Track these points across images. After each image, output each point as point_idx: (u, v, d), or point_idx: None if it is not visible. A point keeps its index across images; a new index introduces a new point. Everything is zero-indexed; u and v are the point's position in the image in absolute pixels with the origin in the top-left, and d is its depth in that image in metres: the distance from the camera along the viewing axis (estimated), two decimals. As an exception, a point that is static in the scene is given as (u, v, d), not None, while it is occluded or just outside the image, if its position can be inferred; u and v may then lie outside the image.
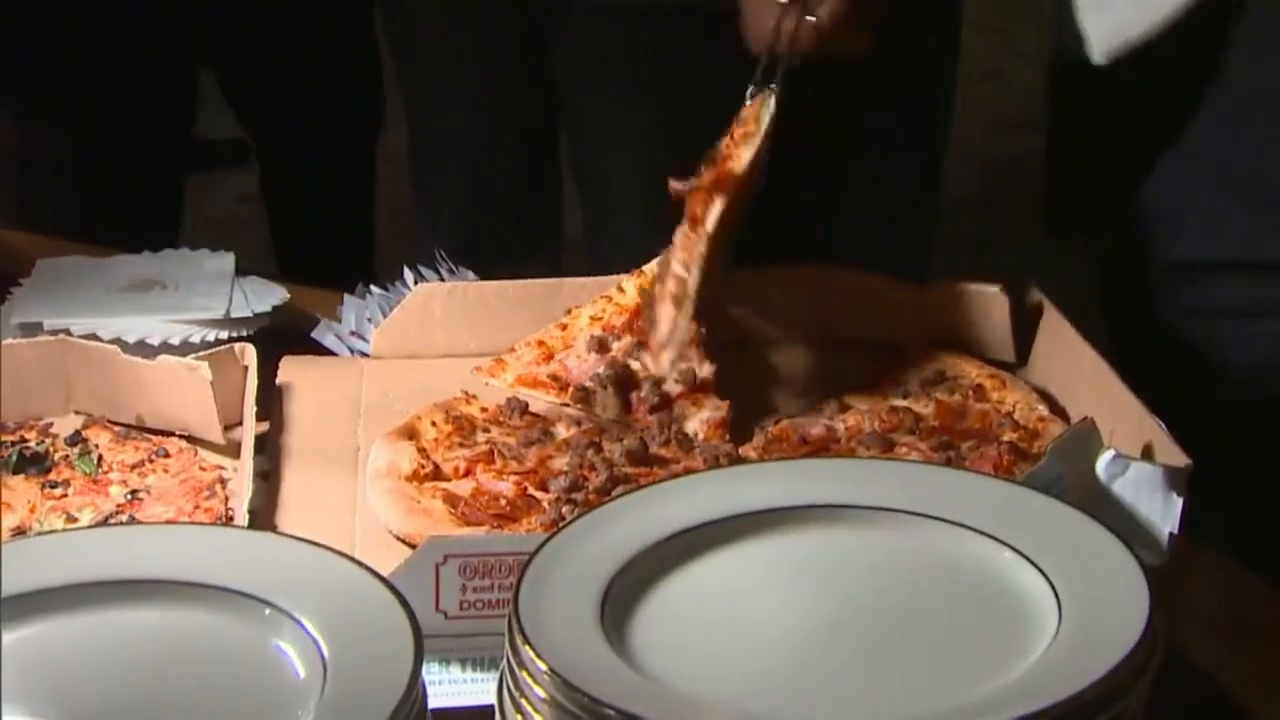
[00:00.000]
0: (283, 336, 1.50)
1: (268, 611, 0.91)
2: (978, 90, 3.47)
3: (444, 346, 1.44)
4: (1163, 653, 0.91)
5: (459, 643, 1.01)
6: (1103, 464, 1.12)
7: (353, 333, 1.50)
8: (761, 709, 0.88)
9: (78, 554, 0.97)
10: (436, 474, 1.25)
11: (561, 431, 1.31)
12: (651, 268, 1.40)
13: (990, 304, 1.43)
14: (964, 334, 1.43)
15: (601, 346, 1.37)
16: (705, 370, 1.35)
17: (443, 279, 1.54)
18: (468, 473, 1.25)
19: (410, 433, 1.29)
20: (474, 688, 1.02)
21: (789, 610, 0.95)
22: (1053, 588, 0.94)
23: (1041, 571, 0.95)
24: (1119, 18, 1.28)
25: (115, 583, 0.95)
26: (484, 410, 1.34)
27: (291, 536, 1.00)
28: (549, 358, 1.38)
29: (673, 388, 1.34)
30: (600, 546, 0.96)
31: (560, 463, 1.26)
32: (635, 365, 1.36)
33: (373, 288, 1.55)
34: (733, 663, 0.92)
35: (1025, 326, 1.43)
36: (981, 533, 0.98)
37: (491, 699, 0.98)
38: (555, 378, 1.36)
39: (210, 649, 0.91)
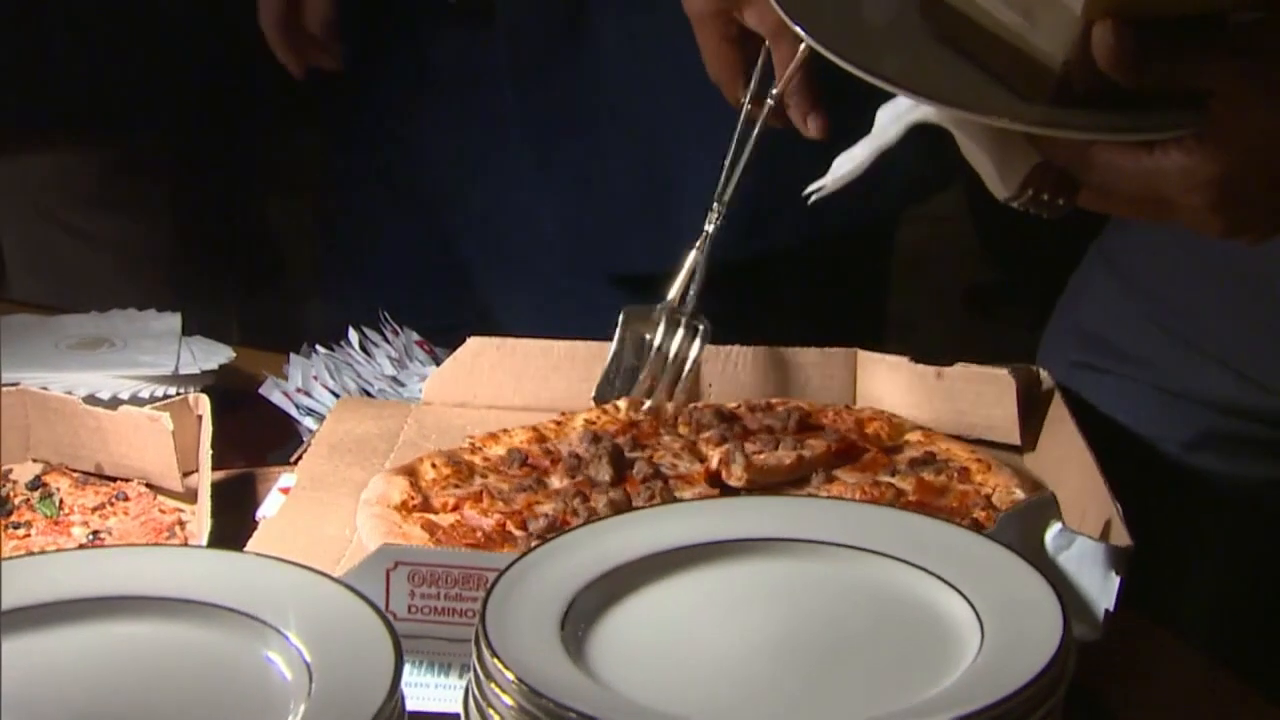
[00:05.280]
0: (228, 395, 1.56)
1: (252, 624, 0.98)
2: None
3: (490, 398, 1.52)
4: (1072, 672, 0.99)
5: (405, 643, 1.07)
6: (1050, 535, 1.18)
7: (299, 390, 1.57)
8: (706, 717, 0.96)
9: (66, 572, 1.03)
10: (425, 506, 1.32)
11: (555, 483, 1.37)
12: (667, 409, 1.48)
13: (999, 387, 1.49)
14: (974, 415, 1.50)
15: (596, 440, 1.42)
16: (697, 468, 1.40)
17: (386, 338, 1.62)
18: (455, 508, 1.32)
19: (410, 471, 1.36)
20: (419, 692, 1.08)
21: (733, 631, 1.03)
22: (974, 610, 1.02)
23: (965, 598, 1.04)
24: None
25: (103, 599, 1.01)
26: (486, 460, 1.41)
27: (268, 556, 1.06)
28: (541, 440, 1.45)
29: (668, 471, 1.40)
30: (562, 570, 1.04)
31: (546, 508, 1.32)
32: (630, 456, 1.41)
33: (318, 347, 1.62)
34: (681, 678, 0.99)
35: (1034, 411, 1.49)
36: (911, 564, 1.07)
37: (435, 706, 1.07)
38: (548, 452, 1.42)
39: (199, 658, 0.97)
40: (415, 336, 1.62)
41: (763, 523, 1.10)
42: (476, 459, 1.40)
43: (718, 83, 1.48)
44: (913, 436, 1.47)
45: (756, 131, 1.45)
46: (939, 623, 1.03)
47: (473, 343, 1.54)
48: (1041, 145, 1.09)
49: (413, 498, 1.32)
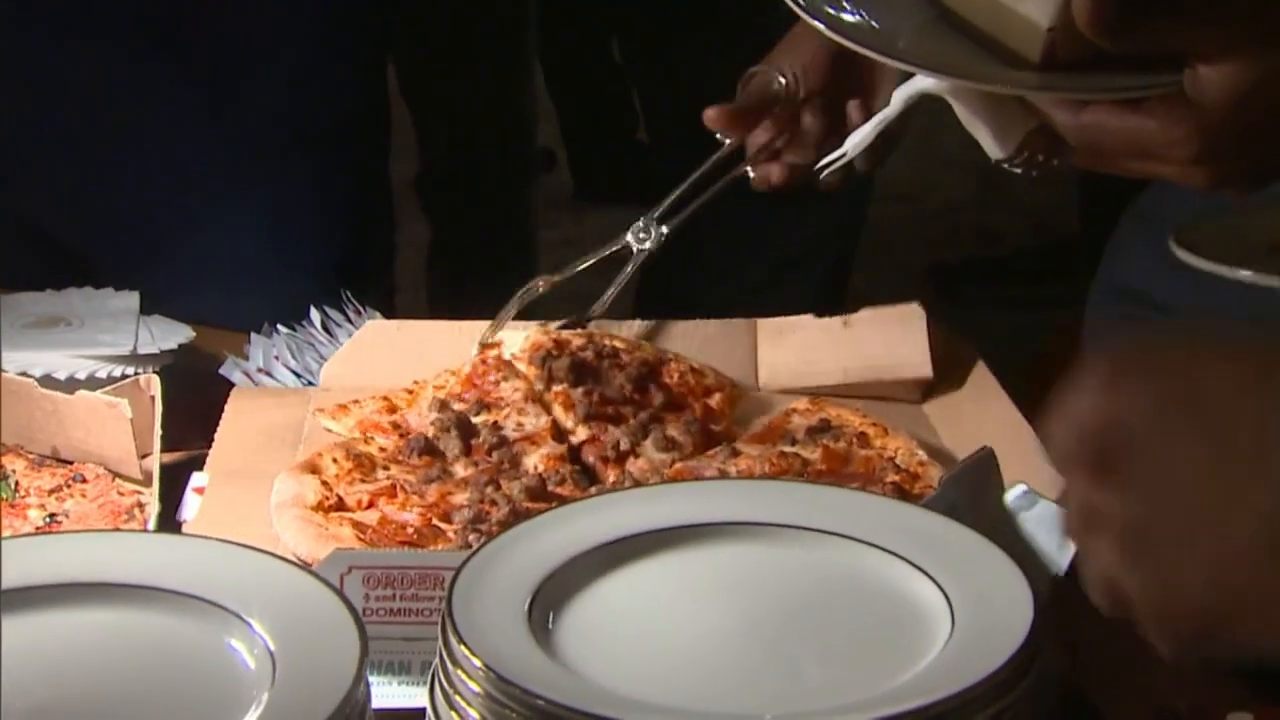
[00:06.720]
0: (188, 374, 1.54)
1: (215, 612, 0.96)
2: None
3: (390, 380, 1.50)
4: (1045, 658, 0.99)
5: (360, 644, 1.07)
6: (1013, 495, 1.18)
7: (260, 369, 1.55)
8: (674, 702, 0.95)
9: (24, 557, 1.01)
10: (340, 505, 1.30)
11: (459, 471, 1.36)
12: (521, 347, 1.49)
13: (908, 322, 1.51)
14: (885, 358, 1.52)
15: (443, 407, 1.43)
16: (543, 423, 1.42)
17: (349, 318, 1.60)
18: (370, 505, 1.30)
19: (312, 468, 1.34)
20: (380, 690, 1.07)
21: (701, 617, 1.02)
22: (945, 596, 1.02)
23: (934, 581, 1.03)
24: None
25: (62, 585, 0.99)
26: (382, 450, 1.39)
27: (231, 542, 1.05)
28: (392, 410, 1.44)
29: (511, 434, 1.41)
30: (527, 557, 1.03)
31: (460, 498, 1.31)
32: (476, 421, 1.42)
33: (279, 327, 1.60)
34: (649, 664, 0.98)
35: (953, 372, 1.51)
36: (878, 547, 1.06)
37: (397, 702, 1.06)
38: (395, 425, 1.41)
39: (161, 646, 0.95)
40: (377, 316, 1.61)
41: (729, 507, 1.09)
42: (373, 449, 1.39)
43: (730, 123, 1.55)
44: (799, 404, 1.47)
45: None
46: (909, 607, 1.02)
47: (371, 325, 1.53)
48: (1034, 109, 1.15)
49: (327, 497, 1.30)
